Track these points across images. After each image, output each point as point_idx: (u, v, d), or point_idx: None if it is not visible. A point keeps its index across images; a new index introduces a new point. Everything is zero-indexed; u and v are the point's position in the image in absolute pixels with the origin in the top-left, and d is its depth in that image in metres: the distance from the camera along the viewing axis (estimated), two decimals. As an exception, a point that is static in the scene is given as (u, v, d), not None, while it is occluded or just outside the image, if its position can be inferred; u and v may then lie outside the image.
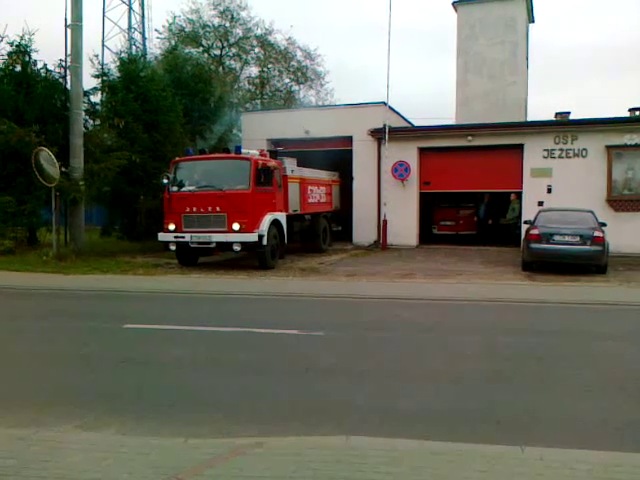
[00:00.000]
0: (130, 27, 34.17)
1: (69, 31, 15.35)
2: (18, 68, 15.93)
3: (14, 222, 15.46)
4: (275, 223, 13.52)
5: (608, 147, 16.58)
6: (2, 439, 3.86)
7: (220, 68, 30.06)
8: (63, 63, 16.19)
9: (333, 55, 61.14)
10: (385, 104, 18.46)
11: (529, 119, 23.26)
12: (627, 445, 3.82)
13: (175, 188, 13.32)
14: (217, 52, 31.68)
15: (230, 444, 3.75)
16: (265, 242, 12.88)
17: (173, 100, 17.86)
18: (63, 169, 14.45)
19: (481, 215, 19.72)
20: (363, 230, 19.16)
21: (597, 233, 12.27)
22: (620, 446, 3.78)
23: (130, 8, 34.19)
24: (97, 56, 19.21)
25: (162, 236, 13.45)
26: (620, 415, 4.41)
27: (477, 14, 22.95)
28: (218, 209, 12.75)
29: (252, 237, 12.63)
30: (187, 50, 27.39)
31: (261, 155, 14.15)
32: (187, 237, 12.99)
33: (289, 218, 14.64)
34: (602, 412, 4.48)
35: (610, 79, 60.04)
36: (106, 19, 33.58)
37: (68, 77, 15.95)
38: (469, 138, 18.01)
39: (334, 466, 3.39)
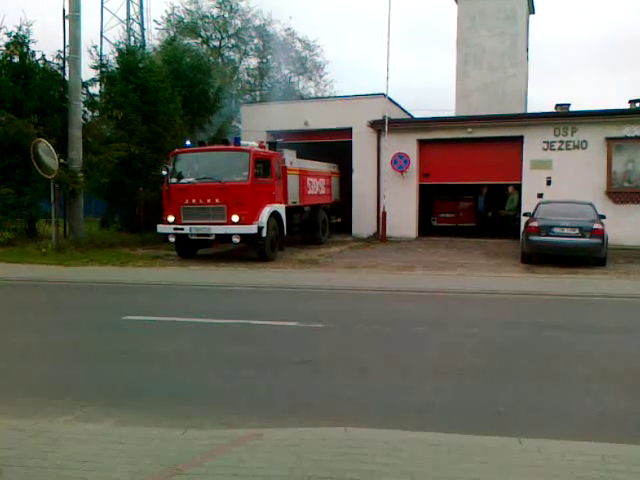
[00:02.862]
0: (129, 18, 34.03)
1: (67, 22, 15.27)
2: (16, 59, 15.82)
3: (13, 214, 15.42)
4: (274, 215, 13.51)
5: (608, 139, 16.54)
6: (3, 430, 3.87)
7: (219, 59, 29.92)
8: (61, 54, 16.11)
9: (332, 47, 60.92)
10: (385, 96, 18.38)
11: (529, 111, 23.16)
12: (625, 437, 3.83)
13: (174, 180, 13.29)
14: (216, 43, 31.51)
15: (230, 435, 3.76)
16: (264, 234, 12.87)
17: (172, 91, 17.79)
18: (62, 160, 14.43)
19: (480, 207, 19.71)
20: (362, 222, 19.15)
21: (596, 225, 12.26)
22: (618, 438, 3.79)
23: (128, -1, 34.02)
24: (96, 47, 19.04)
25: (161, 228, 13.45)
26: (619, 407, 4.42)
27: (477, 5, 22.79)
28: (217, 201, 12.74)
29: (251, 229, 12.63)
30: (186, 41, 27.26)
31: (260, 147, 14.10)
32: (186, 229, 12.99)
33: (288, 210, 14.62)
34: (601, 405, 4.48)
35: (611, 71, 59.86)
36: (105, 10, 33.48)
37: (66, 68, 15.88)
38: (469, 130, 17.96)
39: (334, 457, 3.39)
